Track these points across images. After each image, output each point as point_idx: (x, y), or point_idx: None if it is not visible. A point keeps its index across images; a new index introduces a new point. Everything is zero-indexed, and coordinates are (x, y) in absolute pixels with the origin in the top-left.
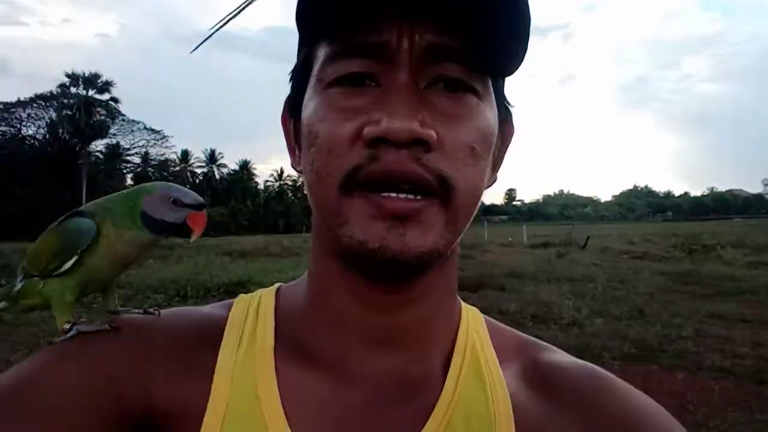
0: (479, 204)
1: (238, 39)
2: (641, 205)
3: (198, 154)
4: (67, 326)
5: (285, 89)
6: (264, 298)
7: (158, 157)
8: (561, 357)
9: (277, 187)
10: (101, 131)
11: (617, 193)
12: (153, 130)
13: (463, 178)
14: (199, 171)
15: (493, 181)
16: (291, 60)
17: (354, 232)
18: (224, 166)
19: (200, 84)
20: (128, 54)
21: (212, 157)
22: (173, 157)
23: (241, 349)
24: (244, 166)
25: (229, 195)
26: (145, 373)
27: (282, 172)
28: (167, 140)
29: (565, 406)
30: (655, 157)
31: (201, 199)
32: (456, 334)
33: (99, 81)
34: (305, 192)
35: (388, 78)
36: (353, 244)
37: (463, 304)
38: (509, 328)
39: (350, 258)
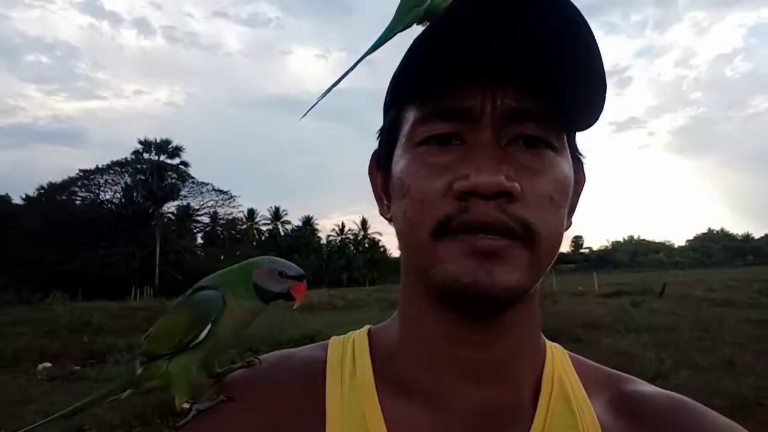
0: (560, 247)
1: (298, 102)
2: (718, 249)
3: (263, 212)
4: (187, 406)
5: (343, 147)
6: (357, 338)
7: (226, 217)
8: (646, 387)
9: (339, 242)
10: (173, 193)
11: (691, 237)
12: (221, 191)
13: (545, 224)
14: (264, 228)
15: (569, 225)
16: (347, 119)
17: (448, 270)
18: (288, 222)
19: (264, 145)
20: (195, 120)
21: (276, 215)
22: (240, 215)
23: (345, 386)
24: (307, 222)
25: (293, 250)
26: (268, 429)
27: (343, 226)
28: (234, 200)
29: (651, 431)
30: (730, 198)
31: (301, 271)
32: (542, 367)
33: (169, 146)
34: (398, 240)
35: (473, 137)
36: (448, 280)
37: (547, 341)
38: (593, 362)
39: (444, 294)
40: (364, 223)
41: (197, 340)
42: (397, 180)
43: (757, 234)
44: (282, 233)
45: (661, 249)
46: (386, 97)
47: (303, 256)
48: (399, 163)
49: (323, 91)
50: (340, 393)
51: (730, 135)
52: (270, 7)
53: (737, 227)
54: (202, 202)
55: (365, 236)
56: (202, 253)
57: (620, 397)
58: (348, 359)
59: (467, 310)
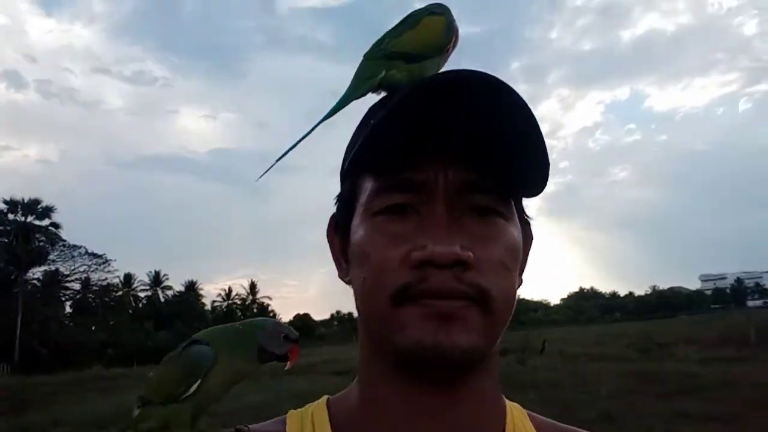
0: (513, 308)
1: (184, 161)
2: (589, 306)
3: (142, 277)
4: None
5: (230, 209)
6: (316, 411)
7: (100, 282)
8: None
9: (225, 307)
10: (39, 258)
11: (565, 296)
12: (95, 255)
13: (498, 288)
14: (142, 294)
15: (520, 283)
16: (236, 181)
17: (409, 334)
18: (169, 288)
19: (145, 207)
20: (70, 179)
21: (157, 279)
22: (116, 281)
23: None
24: (191, 286)
25: (175, 317)
26: None
27: (230, 291)
28: (110, 264)
29: None
30: (597, 259)
31: (297, 334)
32: (504, 428)
33: (39, 206)
34: (357, 306)
35: (427, 208)
36: (409, 345)
37: (507, 401)
38: (551, 420)
39: (406, 360)
40: (252, 287)
41: (187, 394)
42: (356, 248)
43: (622, 292)
44: (162, 299)
45: (539, 307)
46: (343, 164)
47: (186, 324)
48: (357, 231)
49: (278, 155)
50: None
51: (594, 201)
52: (156, 66)
53: (605, 286)
54: (72, 267)
55: (254, 300)
56: (71, 323)
57: None
58: None
59: (429, 374)
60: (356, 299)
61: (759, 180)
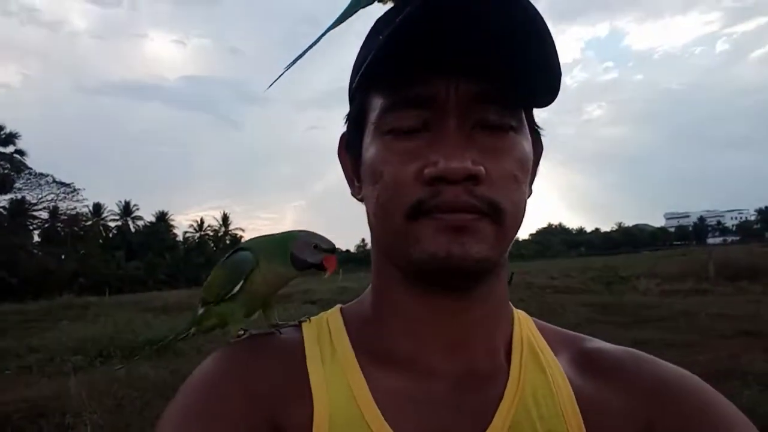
0: (523, 219)
1: (153, 88)
2: (557, 241)
3: (112, 207)
4: (241, 332)
5: (202, 137)
6: (331, 318)
7: (68, 212)
8: (602, 344)
9: (197, 238)
10: (4, 186)
11: (534, 231)
12: (63, 184)
13: (509, 201)
14: (112, 224)
15: (530, 193)
16: (208, 108)
17: (424, 248)
18: (140, 218)
19: (114, 135)
20: (34, 106)
21: (126, 210)
22: (85, 210)
23: (326, 363)
24: (162, 217)
25: (146, 247)
26: (268, 394)
27: (202, 222)
28: (78, 193)
29: (611, 379)
30: (567, 196)
31: (333, 245)
32: (512, 330)
33: (1, 132)
34: (369, 221)
35: (438, 124)
36: (424, 257)
37: (513, 307)
38: (552, 325)
39: (422, 270)
40: (225, 218)
41: (232, 293)
42: (369, 167)
43: (588, 228)
44: (133, 229)
45: None
46: (351, 83)
47: (157, 254)
48: (369, 149)
49: (288, 63)
50: (322, 370)
51: (568, 138)
52: None
53: (572, 222)
54: (40, 196)
55: (226, 232)
56: (40, 252)
57: (581, 352)
58: (325, 337)
59: (444, 283)
60: (369, 215)
61: (728, 121)
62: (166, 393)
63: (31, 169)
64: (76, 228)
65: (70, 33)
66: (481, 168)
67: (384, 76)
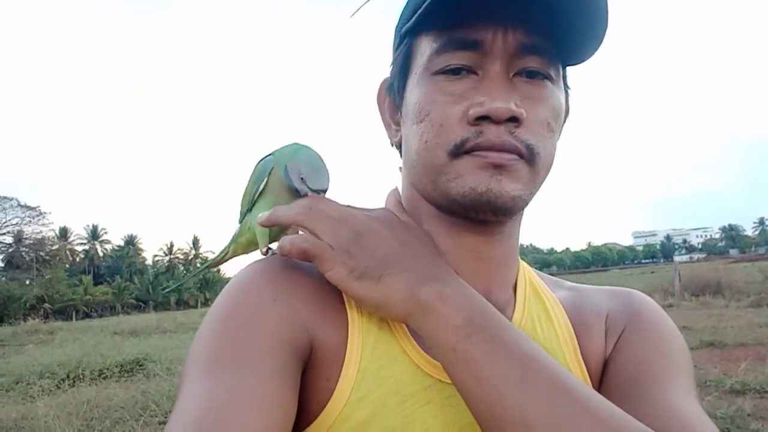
0: (551, 168)
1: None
2: (529, 261)
3: (79, 231)
4: (265, 250)
5: (173, 154)
6: None
7: (34, 236)
8: (583, 285)
9: (167, 262)
10: None
11: None
12: (28, 207)
13: (542, 146)
14: (80, 248)
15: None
16: (179, 125)
17: (465, 182)
18: (108, 242)
19: (82, 155)
20: None
21: (94, 233)
22: (51, 234)
23: None
24: (130, 241)
25: (114, 272)
26: (307, 313)
27: (172, 246)
28: (44, 217)
29: (596, 302)
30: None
31: (324, 187)
32: (518, 270)
33: None
34: (408, 160)
35: (485, 68)
36: (465, 190)
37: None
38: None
39: (459, 204)
40: (195, 241)
41: (259, 192)
42: (415, 105)
43: (558, 248)
44: (101, 253)
45: None
46: (398, 28)
47: (125, 279)
48: (416, 90)
49: None
50: None
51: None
52: None
53: (543, 242)
54: (4, 220)
55: (197, 255)
56: (4, 278)
57: (569, 289)
58: None
59: (477, 218)
60: (409, 154)
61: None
62: (137, 412)
63: None
64: (41, 252)
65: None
66: (523, 111)
67: (437, 19)
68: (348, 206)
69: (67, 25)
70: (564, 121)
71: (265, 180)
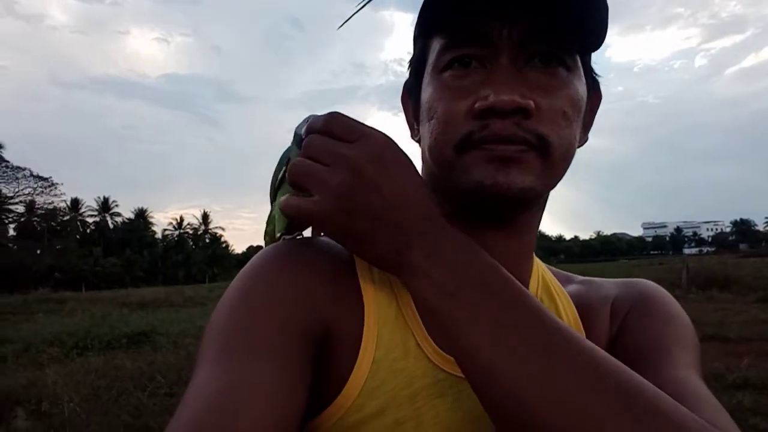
0: (572, 159)
1: (134, 86)
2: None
3: (90, 203)
4: (278, 235)
5: (184, 136)
6: None
7: (45, 206)
8: (592, 278)
9: (177, 236)
10: None
11: None
12: (40, 177)
13: (557, 136)
14: (90, 220)
15: (585, 140)
16: (188, 107)
17: (472, 176)
18: (118, 215)
19: (93, 130)
20: (10, 98)
21: (105, 206)
22: (62, 205)
23: (375, 274)
24: (141, 214)
25: (124, 244)
26: (324, 297)
27: (182, 220)
28: (56, 188)
29: (605, 291)
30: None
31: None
32: (532, 266)
33: None
34: (423, 158)
35: (491, 60)
36: (471, 185)
37: None
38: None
39: (469, 198)
40: (205, 217)
41: (279, 178)
42: (425, 104)
43: (567, 236)
44: (111, 226)
45: None
46: (414, 31)
47: (135, 251)
48: (426, 89)
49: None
50: (371, 275)
51: None
52: None
53: (552, 230)
54: (16, 189)
55: (206, 231)
56: (15, 247)
57: (578, 283)
58: None
59: (488, 212)
60: (423, 152)
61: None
62: (143, 383)
63: (7, 162)
64: (53, 223)
65: (50, 27)
66: (530, 102)
67: (442, 18)
68: (336, 143)
69: None
70: (588, 110)
71: (284, 169)
